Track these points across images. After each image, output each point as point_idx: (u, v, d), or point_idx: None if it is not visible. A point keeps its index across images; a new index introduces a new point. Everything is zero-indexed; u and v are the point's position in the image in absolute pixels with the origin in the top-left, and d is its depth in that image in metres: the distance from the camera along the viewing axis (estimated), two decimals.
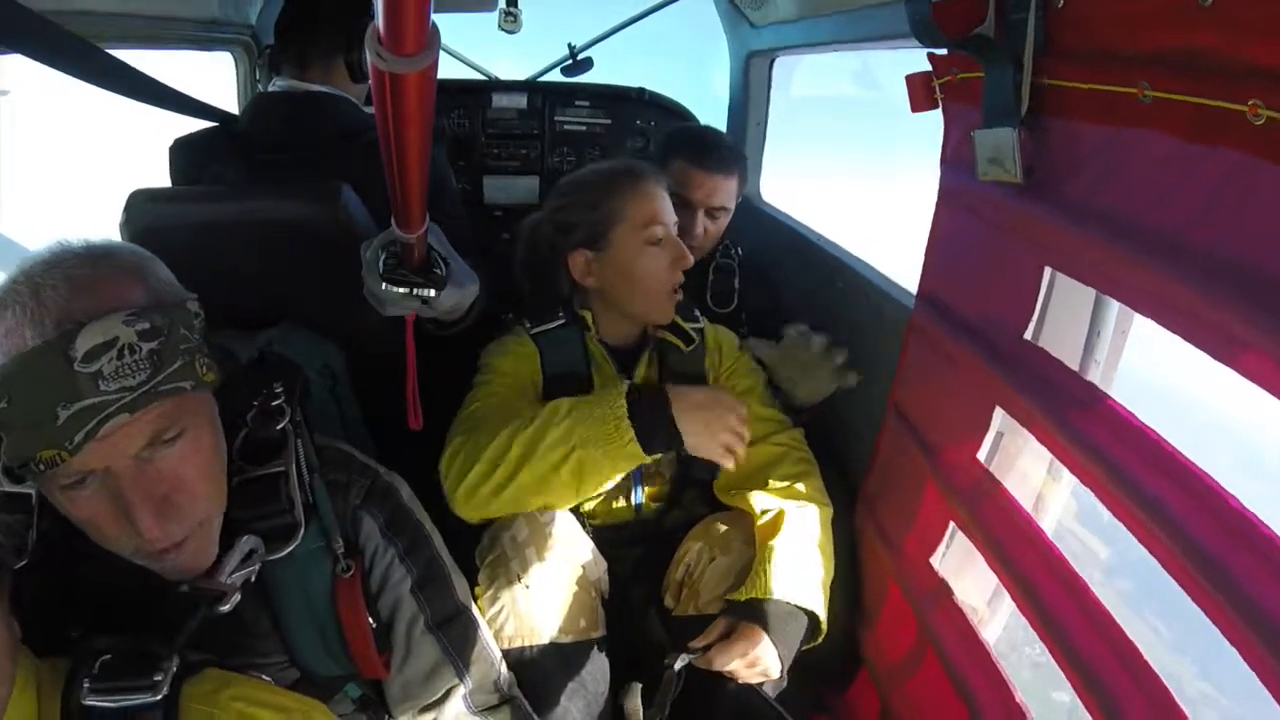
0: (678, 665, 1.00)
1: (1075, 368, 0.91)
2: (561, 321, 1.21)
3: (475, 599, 0.98)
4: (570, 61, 2.21)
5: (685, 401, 1.01)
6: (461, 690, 0.88)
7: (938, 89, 1.01)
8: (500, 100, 2.20)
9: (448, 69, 2.28)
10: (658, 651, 1.09)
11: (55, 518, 0.68)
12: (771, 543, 1.06)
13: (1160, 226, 0.67)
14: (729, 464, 1.04)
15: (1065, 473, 0.97)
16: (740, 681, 1.01)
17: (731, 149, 1.58)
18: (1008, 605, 1.06)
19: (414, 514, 0.90)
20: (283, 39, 1.33)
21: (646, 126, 2.24)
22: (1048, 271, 0.89)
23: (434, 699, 0.88)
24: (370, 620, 0.83)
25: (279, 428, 0.79)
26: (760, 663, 0.99)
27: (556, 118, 2.22)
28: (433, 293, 0.96)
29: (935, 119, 1.06)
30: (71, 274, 0.62)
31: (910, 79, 1.05)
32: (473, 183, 2.22)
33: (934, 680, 1.02)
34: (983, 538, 0.93)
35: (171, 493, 0.66)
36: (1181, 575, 0.63)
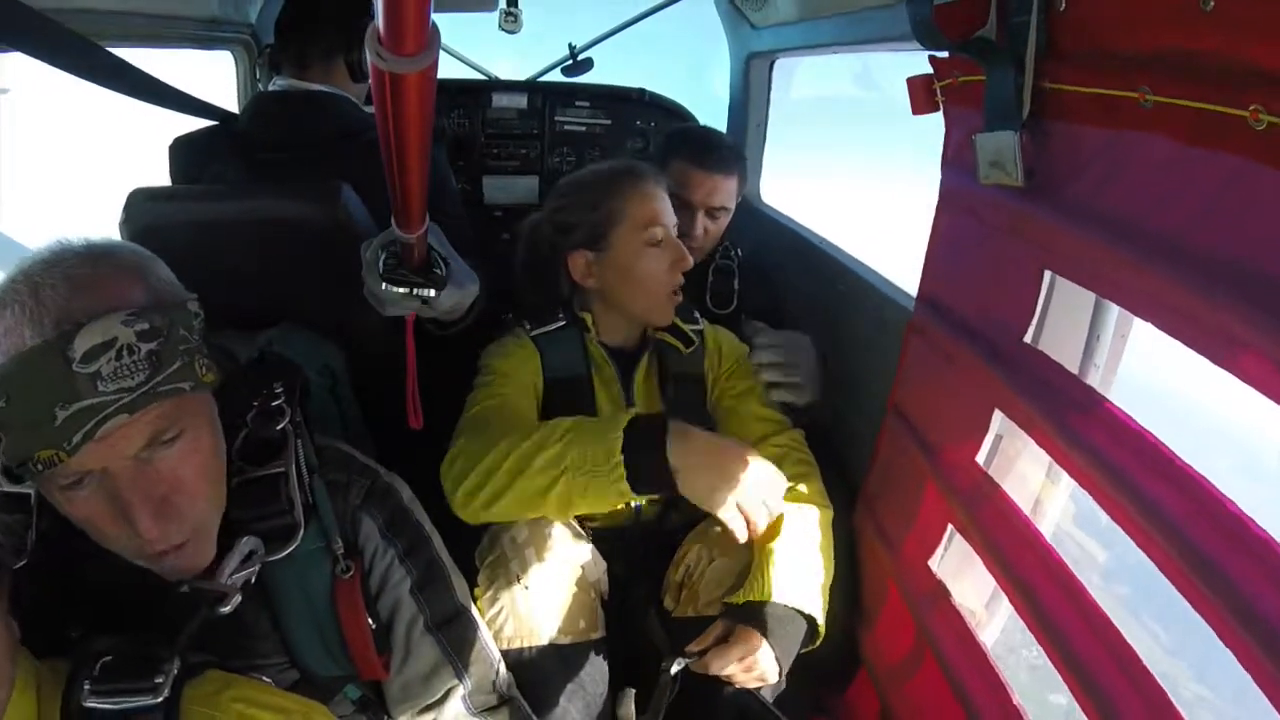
0: (674, 669, 0.99)
1: (1075, 371, 0.91)
2: (562, 323, 1.21)
3: (475, 600, 0.98)
4: (570, 62, 2.21)
5: (686, 448, 0.93)
6: (461, 691, 0.88)
7: (939, 91, 1.01)
8: (500, 100, 2.20)
9: (448, 69, 2.28)
10: (657, 653, 1.09)
11: (55, 518, 0.68)
12: (771, 545, 1.06)
13: (1161, 230, 0.67)
14: (736, 529, 0.95)
15: (1064, 476, 0.97)
16: (738, 685, 1.01)
17: (731, 149, 1.58)
18: (1006, 608, 1.06)
19: (414, 515, 0.90)
20: (283, 38, 1.33)
21: (646, 127, 2.24)
22: (1048, 274, 0.89)
23: (433, 700, 0.88)
24: (370, 621, 0.83)
25: (279, 428, 0.79)
26: (757, 667, 0.99)
27: (556, 118, 2.22)
28: (433, 293, 0.96)
29: (935, 121, 1.06)
30: (71, 273, 0.62)
31: (911, 81, 1.05)
32: (472, 183, 2.22)
33: (932, 682, 1.02)
34: (981, 540, 0.93)
35: (170, 494, 0.66)
36: (1179, 579, 0.63)
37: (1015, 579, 0.86)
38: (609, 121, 2.24)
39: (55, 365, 0.59)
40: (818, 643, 1.07)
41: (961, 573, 1.08)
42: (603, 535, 1.18)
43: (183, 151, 1.33)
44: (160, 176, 1.32)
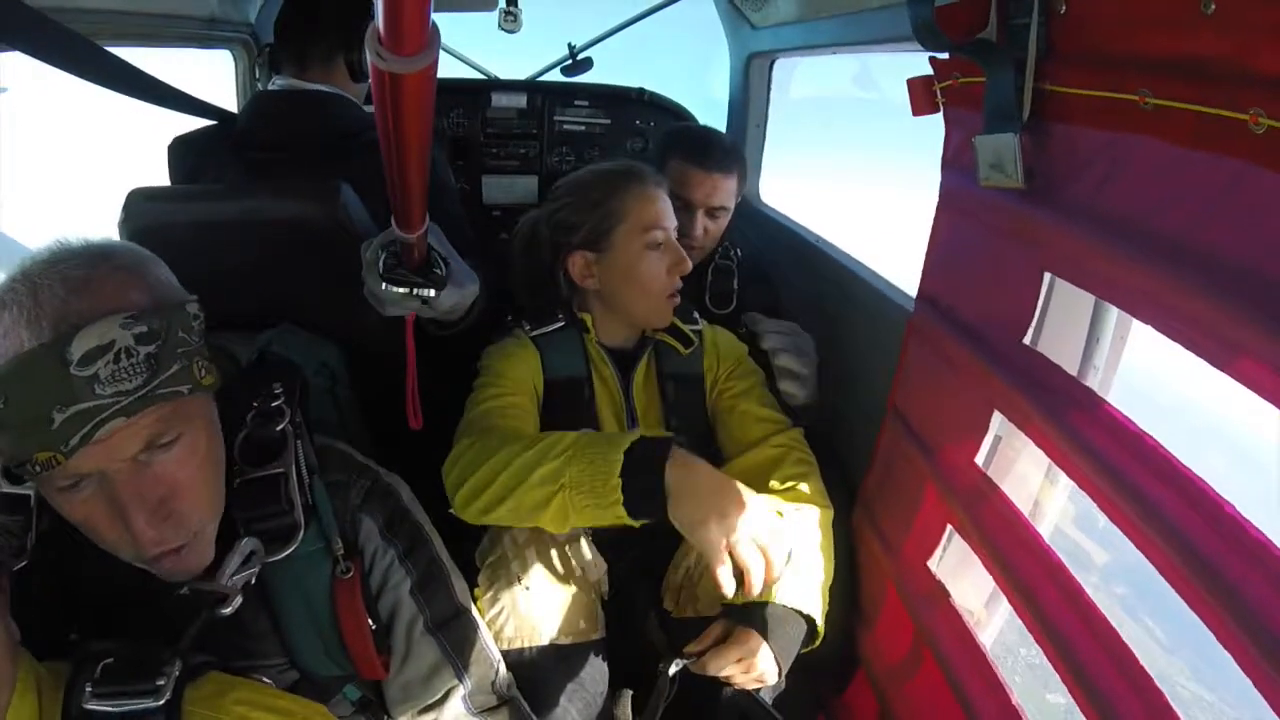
0: (672, 670, 0.99)
1: (1074, 372, 0.92)
2: (561, 324, 1.21)
3: (475, 600, 0.98)
4: (570, 61, 2.21)
5: (684, 474, 0.90)
6: (461, 691, 0.88)
7: (939, 92, 1.01)
8: (500, 100, 2.20)
9: (448, 69, 2.28)
10: (657, 654, 1.09)
11: (55, 520, 0.68)
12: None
13: (1160, 233, 0.67)
14: (721, 576, 0.88)
15: (1063, 477, 0.98)
16: (737, 686, 1.01)
17: (730, 148, 1.57)
18: (1004, 608, 1.07)
19: (414, 515, 0.90)
20: (282, 38, 1.33)
21: (646, 127, 2.24)
22: (1047, 276, 0.89)
23: (433, 700, 0.88)
24: (370, 621, 0.83)
25: (279, 429, 0.79)
26: (756, 668, 0.99)
27: (556, 118, 2.22)
28: (433, 293, 0.96)
29: (935, 122, 1.06)
30: (69, 274, 0.62)
31: (911, 82, 1.05)
32: (472, 182, 2.22)
33: (931, 682, 1.03)
34: (980, 540, 0.93)
35: (168, 497, 0.66)
36: (1176, 579, 0.63)
37: (1014, 579, 0.86)
38: (608, 121, 2.24)
39: (53, 368, 0.59)
40: (817, 643, 1.07)
41: (960, 573, 1.08)
42: (603, 536, 1.18)
43: (182, 151, 1.32)
44: (159, 176, 1.32)
